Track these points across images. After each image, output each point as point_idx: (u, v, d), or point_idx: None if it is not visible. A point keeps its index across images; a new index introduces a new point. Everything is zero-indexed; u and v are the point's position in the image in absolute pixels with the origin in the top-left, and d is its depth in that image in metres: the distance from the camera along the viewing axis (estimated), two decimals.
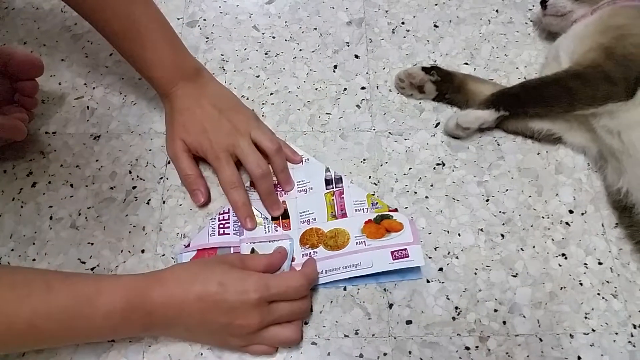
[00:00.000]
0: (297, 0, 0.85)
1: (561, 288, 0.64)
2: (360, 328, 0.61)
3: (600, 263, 0.65)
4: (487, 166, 0.71)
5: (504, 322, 0.62)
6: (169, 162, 0.71)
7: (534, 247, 0.66)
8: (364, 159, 0.72)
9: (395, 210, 0.67)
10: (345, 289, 0.63)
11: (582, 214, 0.68)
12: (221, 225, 0.65)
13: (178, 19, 0.83)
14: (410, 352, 0.60)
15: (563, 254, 0.66)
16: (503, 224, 0.68)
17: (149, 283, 0.54)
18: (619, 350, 0.61)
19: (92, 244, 0.66)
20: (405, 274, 0.64)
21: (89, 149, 0.72)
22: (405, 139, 0.73)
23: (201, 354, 0.60)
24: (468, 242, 0.66)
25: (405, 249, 0.63)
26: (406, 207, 0.68)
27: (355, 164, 0.71)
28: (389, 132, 0.74)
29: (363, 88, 0.77)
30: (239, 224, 0.66)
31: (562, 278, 0.64)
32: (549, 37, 0.81)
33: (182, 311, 0.54)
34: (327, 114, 0.75)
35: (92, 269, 0.64)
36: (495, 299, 0.63)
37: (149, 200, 0.69)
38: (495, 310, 0.62)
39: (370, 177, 0.70)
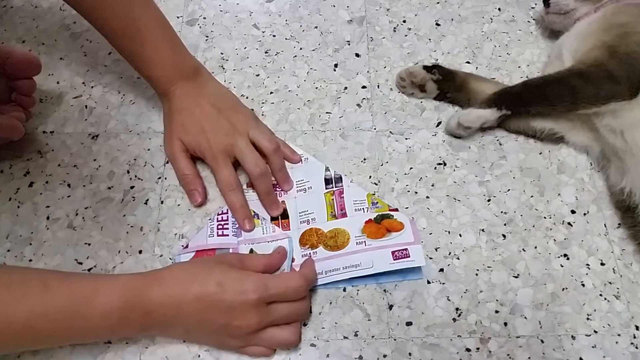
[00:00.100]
0: None
1: (563, 289, 0.63)
2: (360, 329, 0.61)
3: (602, 264, 0.65)
4: (489, 166, 0.71)
5: (505, 324, 0.61)
6: (167, 162, 0.70)
7: (535, 247, 0.66)
8: (365, 159, 0.71)
9: (396, 210, 0.66)
10: (344, 289, 0.63)
11: (585, 214, 0.68)
12: (220, 226, 0.65)
13: (178, 17, 0.82)
14: (410, 354, 0.59)
15: (565, 255, 0.65)
16: (504, 225, 0.67)
17: (147, 282, 0.54)
18: (621, 352, 0.60)
19: (89, 244, 0.65)
20: (405, 275, 0.63)
21: (87, 148, 0.71)
22: (406, 139, 0.73)
23: (199, 356, 0.59)
24: (469, 243, 0.66)
25: (406, 249, 0.62)
26: (407, 207, 0.68)
27: (356, 164, 0.71)
28: (390, 132, 0.73)
29: (364, 87, 0.77)
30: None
31: (564, 279, 0.64)
32: (551, 36, 0.80)
33: (180, 311, 0.54)
34: (327, 113, 0.75)
35: (89, 270, 0.63)
36: (497, 300, 0.62)
37: (147, 200, 0.68)
38: (497, 312, 0.62)
39: (370, 176, 0.70)
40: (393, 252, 0.62)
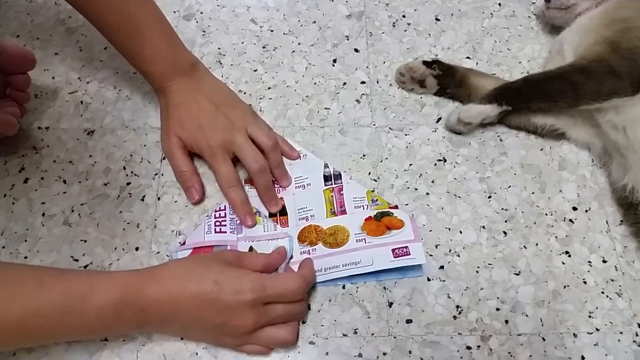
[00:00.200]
0: None
1: (564, 286, 0.63)
2: (359, 327, 0.60)
3: (604, 261, 0.64)
4: (490, 162, 0.70)
5: (506, 321, 0.61)
6: (164, 158, 0.69)
7: (536, 244, 0.65)
8: (364, 155, 0.70)
9: (396, 207, 0.66)
10: (344, 287, 0.62)
11: (586, 211, 0.67)
12: (217, 223, 0.64)
13: (174, 12, 0.82)
14: (410, 352, 0.59)
15: (566, 252, 0.65)
16: (505, 221, 0.66)
17: (143, 279, 0.53)
18: (623, 350, 0.59)
19: (85, 241, 0.64)
20: (405, 272, 0.63)
21: (83, 144, 0.71)
22: (406, 135, 0.72)
23: (196, 354, 0.58)
24: (470, 240, 0.65)
25: (406, 247, 0.62)
26: (406, 204, 0.67)
27: (355, 160, 0.70)
28: (389, 128, 0.72)
29: (363, 82, 0.76)
30: (236, 221, 0.64)
31: (566, 276, 0.63)
32: (552, 31, 0.80)
33: (176, 308, 0.53)
34: (326, 109, 0.74)
35: (85, 267, 0.63)
36: (497, 298, 0.62)
37: (144, 196, 0.67)
38: (497, 309, 0.61)
39: (370, 173, 0.69)
40: (393, 250, 0.61)
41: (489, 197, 0.68)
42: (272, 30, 0.80)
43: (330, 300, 0.61)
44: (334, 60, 0.78)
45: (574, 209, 0.67)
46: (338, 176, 0.68)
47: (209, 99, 0.67)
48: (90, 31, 0.78)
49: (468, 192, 0.68)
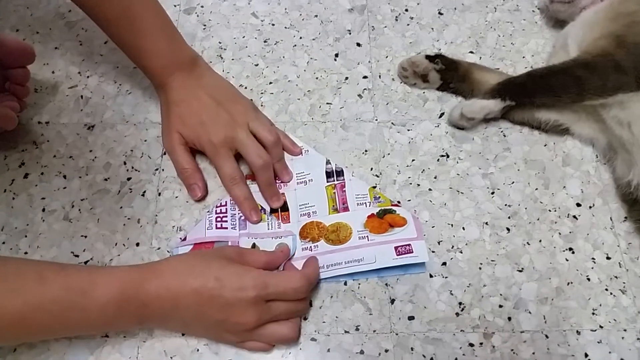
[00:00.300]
0: None
1: (568, 283, 0.62)
2: (361, 324, 0.60)
3: (608, 258, 0.64)
4: (493, 158, 0.70)
5: (509, 318, 0.60)
6: (164, 153, 0.69)
7: (540, 241, 0.64)
8: (366, 150, 0.70)
9: (398, 204, 0.65)
10: (345, 283, 0.62)
11: (590, 207, 0.67)
12: (218, 219, 0.64)
13: (175, 5, 0.81)
14: (412, 349, 0.59)
15: (570, 249, 0.64)
16: (509, 218, 0.66)
17: (145, 275, 0.53)
18: (627, 348, 0.59)
19: (85, 236, 0.64)
20: (407, 269, 0.62)
21: (83, 139, 0.70)
22: (409, 130, 0.71)
23: (197, 350, 0.58)
24: (472, 236, 0.65)
25: (409, 245, 0.61)
26: (409, 200, 0.67)
27: (357, 156, 0.69)
28: (392, 123, 0.72)
29: (365, 77, 0.75)
30: (238, 217, 0.64)
31: (569, 273, 0.63)
32: (556, 25, 0.79)
33: (178, 304, 0.53)
34: (327, 103, 0.73)
35: (85, 262, 0.62)
36: (500, 295, 0.61)
37: (144, 192, 0.67)
38: (500, 306, 0.61)
39: (372, 168, 0.69)
40: (396, 248, 0.61)
41: (492, 193, 0.67)
42: (273, 24, 0.80)
43: (332, 296, 0.61)
44: (336, 55, 0.77)
45: (578, 205, 0.67)
46: (340, 172, 0.67)
47: (210, 95, 0.66)
48: (90, 25, 0.77)
49: (471, 188, 0.68)
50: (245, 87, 0.74)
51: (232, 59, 0.77)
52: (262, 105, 0.73)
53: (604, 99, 0.65)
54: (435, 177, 0.68)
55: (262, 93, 0.74)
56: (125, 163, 0.69)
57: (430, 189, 0.67)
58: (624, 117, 0.64)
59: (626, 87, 0.64)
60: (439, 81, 0.73)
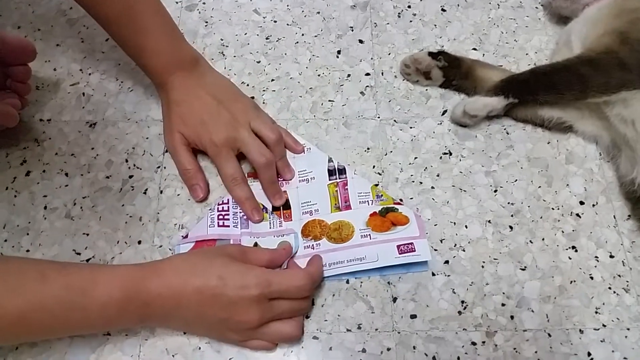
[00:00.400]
0: None
1: (571, 282, 0.62)
2: (363, 322, 0.60)
3: (611, 256, 0.63)
4: (496, 155, 0.69)
5: (512, 317, 0.60)
6: (166, 151, 0.69)
7: (543, 239, 0.64)
8: (368, 148, 0.70)
9: (401, 203, 0.65)
10: (348, 282, 0.62)
11: (593, 205, 0.66)
12: (220, 217, 0.63)
13: (176, 2, 0.81)
14: (414, 347, 0.58)
15: (573, 247, 0.64)
16: (511, 216, 0.66)
17: (146, 273, 0.53)
18: (630, 347, 0.59)
19: (87, 234, 0.64)
20: (410, 267, 0.62)
21: (85, 136, 0.70)
22: (411, 127, 0.71)
23: (199, 348, 0.58)
24: (475, 234, 0.64)
25: (411, 243, 0.61)
26: (411, 198, 0.66)
27: (359, 153, 0.69)
28: (394, 120, 0.72)
29: (367, 74, 0.75)
30: (240, 216, 0.64)
31: (572, 271, 0.63)
32: (560, 22, 0.79)
33: (179, 303, 0.53)
34: (330, 101, 0.73)
35: (87, 260, 0.62)
36: (503, 293, 0.61)
37: (146, 189, 0.67)
38: (503, 305, 0.61)
39: (374, 166, 0.68)
40: (398, 246, 0.61)
41: (495, 191, 0.67)
42: (275, 21, 0.79)
43: (334, 295, 0.61)
44: (338, 52, 0.77)
45: (581, 203, 0.67)
46: (342, 171, 0.67)
47: (211, 94, 0.66)
48: (91, 22, 0.76)
49: (474, 186, 0.67)
50: (247, 85, 0.74)
51: (234, 56, 0.76)
52: (264, 103, 0.73)
53: (608, 96, 0.64)
54: (437, 175, 0.68)
55: (264, 90, 0.74)
56: (127, 161, 0.69)
57: (432, 187, 0.67)
58: (627, 114, 0.64)
59: (630, 84, 0.63)
60: (441, 78, 0.73)
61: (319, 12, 0.80)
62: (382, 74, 0.75)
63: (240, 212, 0.64)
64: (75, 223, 0.65)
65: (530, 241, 0.64)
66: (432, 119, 0.72)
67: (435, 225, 0.65)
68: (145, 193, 0.67)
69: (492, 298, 0.61)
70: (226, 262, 0.55)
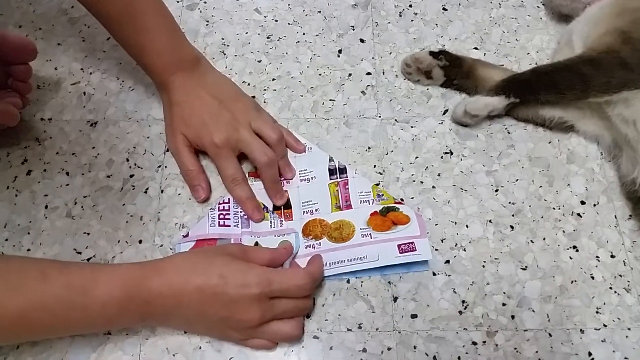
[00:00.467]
0: None
1: (572, 282, 0.62)
2: (364, 322, 0.60)
3: (612, 256, 0.63)
4: (497, 155, 0.69)
5: (513, 317, 0.60)
6: (167, 150, 0.69)
7: (544, 239, 0.64)
8: (369, 147, 0.70)
9: (401, 202, 0.65)
10: (348, 281, 0.62)
11: (595, 205, 0.66)
12: (221, 216, 0.63)
13: (177, 1, 0.80)
14: (415, 347, 0.58)
15: (574, 247, 0.64)
16: (512, 215, 0.65)
17: (147, 272, 0.53)
18: (631, 347, 0.59)
19: (88, 233, 0.64)
20: (411, 267, 0.62)
21: (86, 136, 0.70)
22: (412, 127, 0.71)
23: (200, 347, 0.58)
24: (476, 234, 0.64)
25: (412, 243, 0.61)
26: (412, 197, 0.66)
27: (360, 153, 0.69)
28: (395, 120, 0.72)
29: (368, 74, 0.75)
30: (240, 215, 0.64)
31: (573, 271, 0.62)
32: (561, 21, 0.78)
33: (180, 302, 0.53)
34: (331, 100, 0.73)
35: (88, 260, 0.62)
36: (504, 293, 0.61)
37: (147, 189, 0.67)
38: (504, 304, 0.61)
39: (375, 166, 0.68)
40: (399, 246, 0.61)
41: (496, 190, 0.67)
42: (276, 20, 0.79)
43: (334, 294, 0.61)
44: (339, 51, 0.77)
45: (582, 203, 0.66)
46: (343, 170, 0.67)
47: (212, 95, 0.66)
48: (93, 21, 0.76)
49: (475, 186, 0.67)
50: (248, 84, 0.74)
51: (235, 55, 0.76)
52: (264, 102, 0.73)
53: (609, 96, 0.64)
54: (438, 175, 0.68)
55: (264, 90, 0.74)
56: (127, 160, 0.69)
57: (433, 187, 0.67)
58: (628, 114, 0.64)
59: (631, 84, 0.63)
60: (442, 78, 0.73)
61: (320, 11, 0.80)
62: (383, 73, 0.75)
63: (241, 212, 0.64)
64: (76, 222, 0.65)
65: (531, 241, 0.64)
66: (433, 119, 0.72)
67: (436, 224, 0.65)
68: (146, 192, 0.67)
69: (493, 298, 0.61)
70: (227, 260, 0.55)
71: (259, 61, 0.76)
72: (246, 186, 0.65)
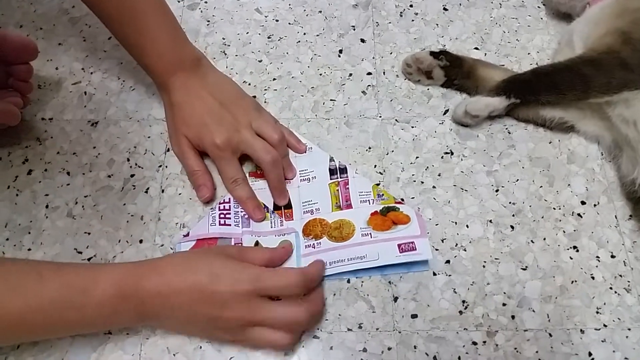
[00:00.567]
0: None
1: (572, 282, 0.62)
2: (364, 322, 0.60)
3: (613, 256, 0.63)
4: (497, 155, 0.69)
5: (513, 317, 0.60)
6: (168, 150, 0.69)
7: (544, 239, 0.64)
8: (370, 147, 0.70)
9: (402, 202, 0.65)
10: (349, 281, 0.62)
11: (595, 205, 0.66)
12: (222, 215, 0.63)
13: (178, 1, 0.80)
14: (415, 347, 0.58)
15: (574, 247, 0.64)
16: (513, 215, 0.65)
17: (144, 271, 0.53)
18: (631, 347, 0.59)
19: (89, 233, 0.64)
20: (411, 267, 0.62)
21: (86, 135, 0.70)
22: (412, 127, 0.71)
23: (200, 347, 0.58)
24: (476, 234, 0.64)
25: (412, 242, 0.61)
26: (412, 198, 0.66)
27: (361, 153, 0.69)
28: (396, 120, 0.72)
29: (369, 73, 0.75)
30: (241, 215, 0.64)
31: (573, 271, 0.62)
32: (562, 21, 0.78)
33: (174, 301, 0.52)
34: (331, 100, 0.73)
35: (88, 259, 0.62)
36: (504, 293, 0.61)
37: (148, 188, 0.67)
38: (504, 304, 0.61)
39: (375, 166, 0.68)
40: (399, 245, 0.61)
41: (497, 190, 0.67)
42: (277, 20, 0.79)
43: (335, 294, 0.61)
44: (340, 51, 0.77)
45: (583, 203, 0.66)
46: (344, 170, 0.67)
47: (213, 95, 0.65)
48: (94, 21, 0.77)
49: (475, 186, 0.67)
50: (249, 84, 0.74)
51: (236, 55, 0.76)
52: (265, 102, 0.73)
53: (610, 96, 0.64)
54: (439, 175, 0.68)
55: (265, 89, 0.74)
56: (128, 160, 0.69)
57: (434, 187, 0.67)
58: (629, 115, 0.64)
59: (632, 84, 0.63)
60: (443, 78, 0.73)
61: (320, 11, 0.80)
62: (384, 73, 0.75)
63: (241, 211, 0.64)
64: (77, 222, 0.65)
65: (532, 241, 0.64)
66: (433, 119, 0.72)
67: (436, 224, 0.65)
68: (146, 192, 0.67)
69: (493, 298, 0.61)
70: (222, 260, 0.54)
71: (260, 61, 0.76)
72: (247, 186, 0.65)
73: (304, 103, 0.73)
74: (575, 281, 0.62)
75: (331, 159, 0.68)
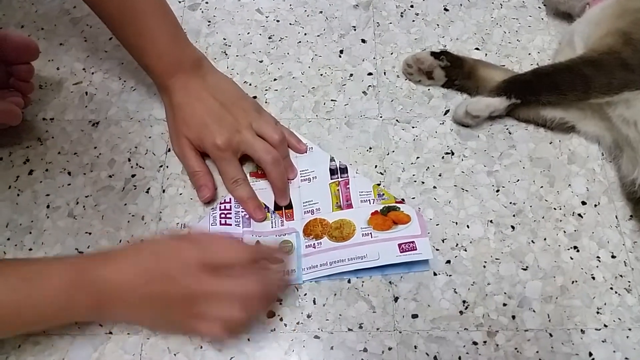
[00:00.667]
0: None
1: (573, 282, 0.62)
2: (365, 322, 0.60)
3: (613, 256, 0.63)
4: (498, 155, 0.69)
5: (513, 317, 0.60)
6: (169, 150, 0.69)
7: (545, 239, 0.64)
8: (370, 148, 0.70)
9: (402, 202, 0.65)
10: (349, 281, 0.62)
11: (595, 205, 0.66)
12: (222, 215, 0.64)
13: (179, 1, 0.81)
14: (415, 347, 0.58)
15: (575, 247, 0.64)
16: (513, 216, 0.65)
17: (96, 260, 0.53)
18: (632, 347, 0.59)
19: (89, 233, 0.64)
20: (411, 267, 0.62)
21: (87, 135, 0.70)
22: (413, 127, 0.71)
23: (200, 347, 0.58)
24: (477, 234, 0.64)
25: (412, 242, 0.61)
26: (413, 198, 0.66)
27: (361, 153, 0.69)
28: (396, 120, 0.72)
29: (370, 74, 0.75)
30: (242, 214, 0.64)
31: (574, 271, 0.63)
32: (563, 22, 0.78)
33: (125, 287, 0.52)
34: (332, 100, 0.73)
35: None
36: (505, 293, 0.61)
37: (149, 189, 0.67)
38: (504, 305, 0.61)
39: (376, 166, 0.68)
40: (400, 245, 0.61)
41: (497, 190, 0.67)
42: (278, 21, 0.79)
43: (335, 294, 0.61)
44: (341, 51, 0.77)
45: (583, 203, 0.66)
46: (344, 170, 0.67)
47: (213, 96, 0.65)
48: (95, 21, 0.77)
49: (476, 186, 0.67)
50: (250, 84, 0.74)
51: (237, 55, 0.76)
52: (266, 102, 0.73)
53: (610, 97, 0.64)
54: (439, 175, 0.68)
55: (266, 90, 0.74)
56: (129, 160, 0.69)
57: (434, 187, 0.67)
58: (629, 115, 0.64)
59: (632, 85, 0.63)
60: (444, 78, 0.73)
61: (321, 12, 0.80)
62: (385, 73, 0.75)
63: (242, 211, 0.64)
64: (78, 222, 0.65)
65: (532, 241, 0.64)
66: (434, 119, 0.72)
67: (437, 225, 0.65)
68: (147, 192, 0.67)
69: (494, 298, 0.61)
70: (167, 239, 0.56)
71: (261, 61, 0.76)
72: (247, 186, 0.65)
73: (304, 103, 0.73)
74: (576, 281, 0.62)
75: (332, 159, 0.68)
